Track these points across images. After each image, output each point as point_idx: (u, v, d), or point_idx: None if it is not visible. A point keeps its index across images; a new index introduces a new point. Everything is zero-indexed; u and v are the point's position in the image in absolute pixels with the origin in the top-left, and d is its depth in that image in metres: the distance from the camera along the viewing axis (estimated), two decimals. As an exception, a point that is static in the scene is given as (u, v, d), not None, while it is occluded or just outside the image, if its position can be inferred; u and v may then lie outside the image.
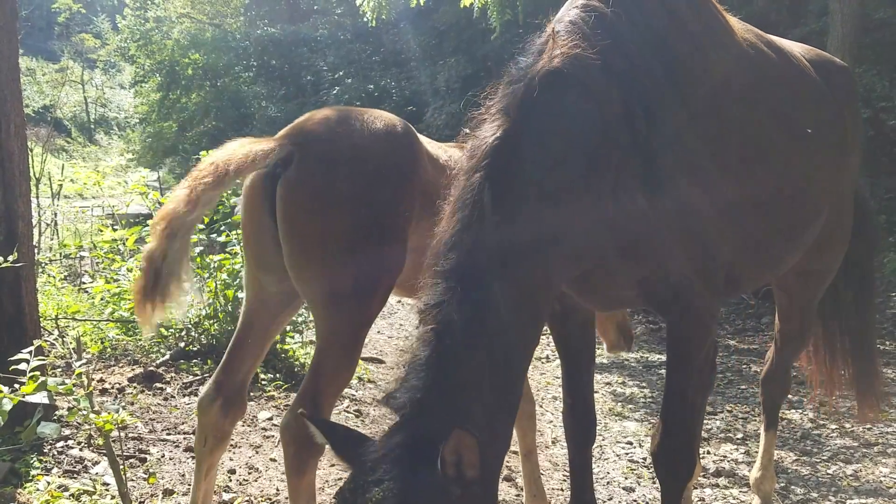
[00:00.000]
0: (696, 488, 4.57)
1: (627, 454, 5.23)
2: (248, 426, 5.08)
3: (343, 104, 22.25)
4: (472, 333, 2.22)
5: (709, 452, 5.29)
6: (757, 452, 4.43)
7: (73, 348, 5.30)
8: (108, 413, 2.90)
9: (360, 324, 3.04)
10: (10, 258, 3.40)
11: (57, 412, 4.41)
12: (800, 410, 6.21)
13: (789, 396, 5.40)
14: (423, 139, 3.45)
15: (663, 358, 7.82)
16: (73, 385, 2.84)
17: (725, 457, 5.22)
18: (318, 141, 2.99)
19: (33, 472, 3.89)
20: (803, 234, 3.52)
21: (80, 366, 3.00)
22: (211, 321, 6.42)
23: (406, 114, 20.41)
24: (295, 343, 6.93)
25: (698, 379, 3.00)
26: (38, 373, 2.66)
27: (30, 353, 2.84)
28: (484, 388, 2.22)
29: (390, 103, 21.64)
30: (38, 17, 44.46)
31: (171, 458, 4.42)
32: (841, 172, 3.73)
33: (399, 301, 10.97)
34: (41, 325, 4.87)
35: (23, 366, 2.75)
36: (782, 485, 4.70)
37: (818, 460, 5.18)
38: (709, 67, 2.93)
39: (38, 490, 3.69)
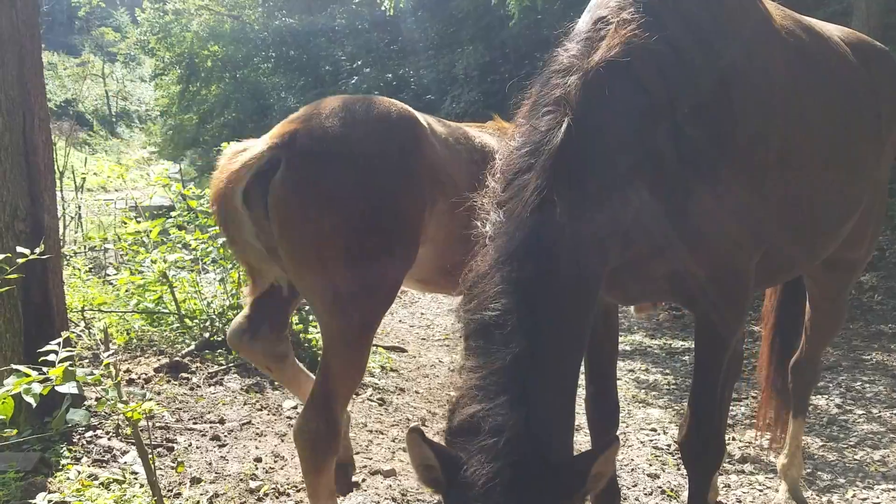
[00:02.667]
0: (722, 474, 4.55)
1: (651, 441, 5.22)
2: (274, 415, 5.12)
3: (361, 94, 22.27)
4: (552, 347, 2.13)
5: (734, 439, 5.26)
6: (782, 439, 4.40)
7: (100, 339, 5.37)
8: (136, 403, 2.93)
9: (366, 324, 2.96)
10: (38, 250, 3.44)
11: (85, 402, 4.47)
12: (826, 396, 6.15)
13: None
14: (429, 121, 3.32)
15: (686, 345, 7.81)
16: (102, 375, 2.87)
17: (751, 443, 5.18)
18: (304, 138, 2.86)
19: (63, 462, 3.95)
20: (844, 225, 3.47)
21: (107, 356, 3.03)
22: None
23: (424, 102, 20.40)
24: (317, 332, 6.96)
25: (726, 369, 2.97)
26: (66, 363, 2.69)
27: (58, 344, 2.87)
28: (565, 399, 2.16)
29: (408, 92, 21.60)
30: (59, 12, 44.83)
31: (197, 447, 4.47)
32: (878, 161, 3.67)
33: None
34: (68, 316, 4.93)
35: (51, 357, 2.78)
36: (809, 471, 4.66)
37: (845, 446, 5.13)
38: (750, 60, 2.87)
39: (68, 479, 3.75)
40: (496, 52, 19.13)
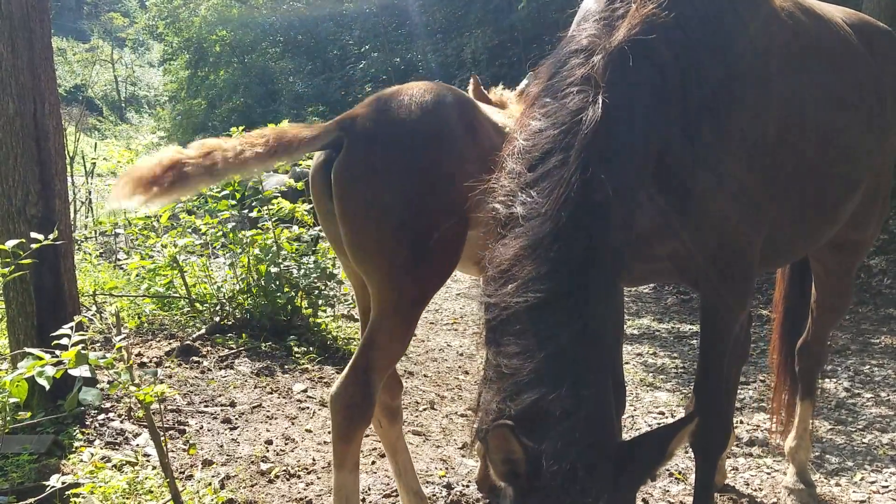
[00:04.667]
0: (730, 458, 4.56)
1: (659, 424, 5.23)
2: (284, 398, 5.16)
3: (369, 78, 22.22)
4: (604, 327, 2.13)
5: (742, 422, 5.27)
6: (791, 422, 4.41)
7: (112, 323, 5.42)
8: (148, 386, 2.97)
9: (418, 299, 3.06)
10: (51, 236, 3.46)
11: (98, 385, 4.52)
12: (835, 379, 6.16)
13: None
14: (488, 109, 3.45)
15: (695, 328, 7.81)
16: (114, 359, 2.91)
17: (759, 426, 5.20)
18: (362, 121, 3.03)
19: (76, 444, 4.00)
20: (842, 207, 3.46)
21: (119, 340, 3.06)
22: (244, 296, 6.51)
23: (433, 86, 20.32)
24: (327, 317, 7.01)
25: (732, 350, 2.97)
26: (79, 347, 2.73)
27: (70, 328, 2.90)
28: (610, 378, 2.15)
29: (417, 76, 21.53)
30: (68, -3, 44.78)
31: (209, 430, 4.52)
32: (881, 142, 3.65)
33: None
34: (79, 301, 4.97)
35: (64, 340, 2.81)
36: (817, 454, 4.67)
37: (853, 429, 5.14)
38: (752, 43, 2.86)
39: (81, 461, 3.80)
40: (504, 35, 19.03)
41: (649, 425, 5.21)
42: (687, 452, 4.65)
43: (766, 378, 6.29)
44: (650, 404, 5.68)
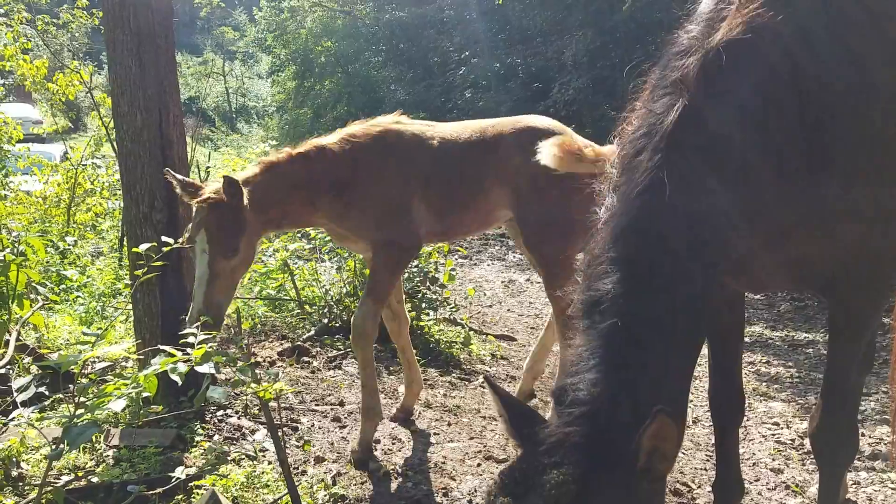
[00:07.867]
0: (850, 471, 4.36)
1: (774, 435, 5.04)
2: (390, 398, 5.26)
3: (469, 84, 22.35)
4: (649, 327, 2.12)
5: (863, 434, 5.01)
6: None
7: (231, 324, 5.66)
8: (267, 383, 3.09)
9: None
10: (181, 240, 3.66)
11: (219, 382, 4.73)
12: (967, 393, 5.77)
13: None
14: None
15: (810, 337, 7.49)
16: (236, 357, 3.05)
17: (882, 439, 4.93)
18: None
19: (197, 438, 4.21)
20: None
21: (240, 339, 3.21)
22: (351, 299, 6.67)
23: (532, 90, 20.25)
24: (430, 320, 7.09)
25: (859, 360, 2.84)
26: (205, 345, 2.87)
27: (196, 327, 3.07)
28: (666, 382, 2.13)
29: (516, 81, 21.50)
30: (183, 13, 46.99)
31: (320, 428, 4.66)
32: None
33: (528, 280, 10.96)
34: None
35: (191, 339, 2.97)
36: (948, 471, 4.40)
37: None
38: (881, 36, 2.72)
39: (203, 454, 3.99)
40: (606, 36, 18.72)
41: (763, 436, 5.03)
42: (805, 465, 4.47)
43: (889, 389, 5.96)
44: (764, 415, 5.48)
